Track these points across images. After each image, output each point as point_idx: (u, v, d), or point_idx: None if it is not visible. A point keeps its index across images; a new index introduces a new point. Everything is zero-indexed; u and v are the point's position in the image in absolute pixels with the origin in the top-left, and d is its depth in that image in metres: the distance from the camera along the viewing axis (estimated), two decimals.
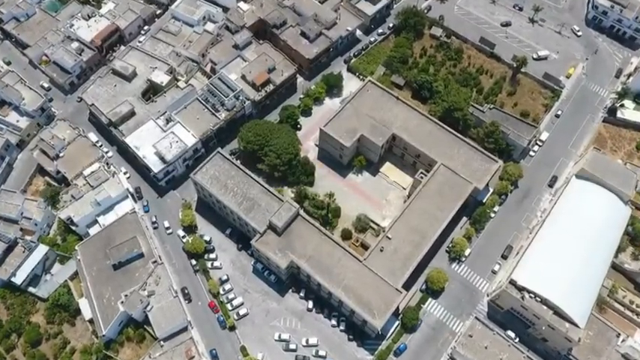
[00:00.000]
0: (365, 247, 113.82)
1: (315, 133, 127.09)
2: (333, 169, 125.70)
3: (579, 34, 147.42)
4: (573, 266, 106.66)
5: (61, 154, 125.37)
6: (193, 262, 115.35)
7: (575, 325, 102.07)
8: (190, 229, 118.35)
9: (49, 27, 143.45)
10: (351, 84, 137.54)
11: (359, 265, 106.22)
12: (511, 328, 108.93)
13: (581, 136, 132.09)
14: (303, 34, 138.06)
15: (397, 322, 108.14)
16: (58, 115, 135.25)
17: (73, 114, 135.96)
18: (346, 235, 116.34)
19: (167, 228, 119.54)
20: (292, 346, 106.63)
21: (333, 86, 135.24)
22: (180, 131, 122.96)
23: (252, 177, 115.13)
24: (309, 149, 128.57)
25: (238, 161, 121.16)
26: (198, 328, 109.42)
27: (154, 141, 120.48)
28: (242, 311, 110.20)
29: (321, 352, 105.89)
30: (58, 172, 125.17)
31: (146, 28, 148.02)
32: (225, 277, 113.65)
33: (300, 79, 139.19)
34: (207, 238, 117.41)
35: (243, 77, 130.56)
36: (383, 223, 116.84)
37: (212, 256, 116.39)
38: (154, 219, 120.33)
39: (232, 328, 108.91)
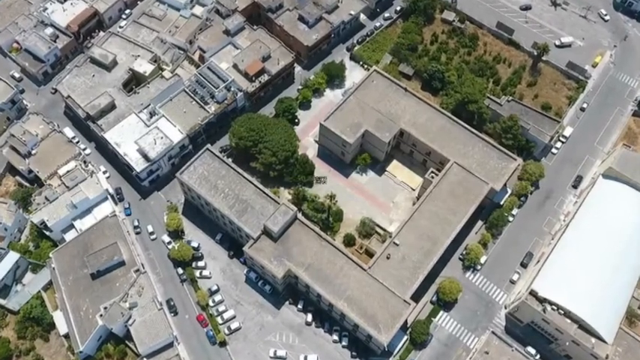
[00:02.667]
0: (370, 254, 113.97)
1: (315, 128, 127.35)
2: (335, 167, 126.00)
3: (607, 18, 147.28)
4: (600, 275, 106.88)
5: (33, 152, 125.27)
6: (180, 270, 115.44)
7: (603, 340, 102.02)
8: (176, 234, 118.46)
9: (20, 11, 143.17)
10: (354, 74, 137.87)
11: (363, 274, 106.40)
12: (531, 343, 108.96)
13: (608, 132, 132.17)
14: (301, 18, 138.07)
15: (405, 337, 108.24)
16: (30, 108, 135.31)
17: (46, 107, 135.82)
18: (349, 241, 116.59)
19: (151, 233, 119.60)
20: None
21: (334, 76, 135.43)
22: (165, 126, 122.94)
23: (244, 177, 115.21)
24: (308, 146, 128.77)
25: (229, 159, 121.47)
26: (185, 344, 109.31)
27: (136, 137, 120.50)
28: (234, 325, 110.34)
29: None
30: (30, 171, 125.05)
31: (127, 12, 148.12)
32: (215, 288, 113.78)
33: (298, 69, 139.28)
34: (195, 244, 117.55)
35: (235, 66, 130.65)
36: (390, 227, 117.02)
37: (201, 264, 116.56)
38: (136, 223, 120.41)
39: (223, 344, 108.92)
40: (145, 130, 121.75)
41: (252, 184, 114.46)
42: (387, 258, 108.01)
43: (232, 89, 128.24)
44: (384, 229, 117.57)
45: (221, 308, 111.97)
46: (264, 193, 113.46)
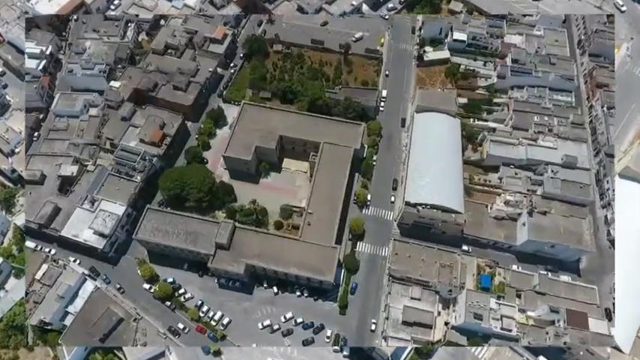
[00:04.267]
0: (296, 227, 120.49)
1: (220, 159, 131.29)
2: (247, 180, 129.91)
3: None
4: (436, 172, 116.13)
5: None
6: (168, 303, 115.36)
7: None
8: (153, 279, 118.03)
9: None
10: (230, 111, 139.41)
11: (298, 242, 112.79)
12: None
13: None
14: (175, 87, 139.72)
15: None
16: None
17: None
18: (279, 226, 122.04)
19: (132, 287, 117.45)
20: (275, 327, 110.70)
21: (217, 119, 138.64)
22: (107, 206, 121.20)
23: (185, 215, 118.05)
24: (222, 174, 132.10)
25: (168, 208, 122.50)
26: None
27: (88, 223, 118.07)
28: (225, 321, 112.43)
29: (299, 320, 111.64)
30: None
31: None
32: (199, 302, 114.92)
33: (189, 123, 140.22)
34: (170, 279, 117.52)
35: (142, 140, 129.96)
36: (302, 204, 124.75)
37: (181, 291, 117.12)
38: (118, 285, 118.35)
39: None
40: (93, 216, 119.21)
41: (193, 217, 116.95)
42: (309, 224, 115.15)
43: (147, 158, 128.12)
44: (298, 207, 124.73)
45: (211, 314, 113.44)
46: (205, 220, 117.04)
